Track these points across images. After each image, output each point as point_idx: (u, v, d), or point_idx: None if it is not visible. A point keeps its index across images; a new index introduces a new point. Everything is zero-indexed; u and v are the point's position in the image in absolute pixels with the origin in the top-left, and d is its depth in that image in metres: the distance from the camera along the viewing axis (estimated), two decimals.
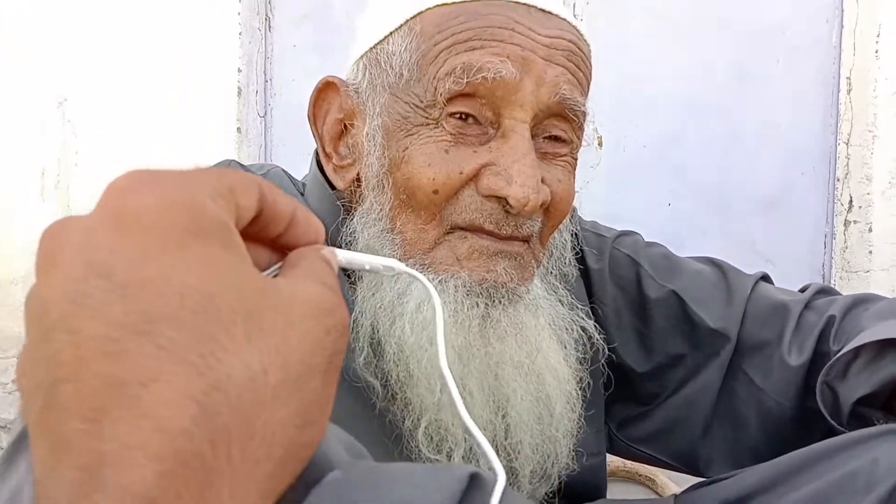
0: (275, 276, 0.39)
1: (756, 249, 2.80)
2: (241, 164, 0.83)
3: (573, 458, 0.80)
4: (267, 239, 0.40)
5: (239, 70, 2.90)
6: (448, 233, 0.72)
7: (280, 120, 2.99)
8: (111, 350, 0.29)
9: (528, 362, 0.74)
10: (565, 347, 0.79)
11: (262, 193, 0.37)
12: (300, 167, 0.88)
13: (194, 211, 0.33)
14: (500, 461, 0.42)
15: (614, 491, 2.02)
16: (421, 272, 0.70)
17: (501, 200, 0.70)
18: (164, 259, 0.31)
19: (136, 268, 0.31)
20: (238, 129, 2.90)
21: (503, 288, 0.71)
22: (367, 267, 0.49)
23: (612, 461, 2.07)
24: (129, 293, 0.30)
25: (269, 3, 2.99)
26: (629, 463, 2.08)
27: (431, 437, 0.71)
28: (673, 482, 1.86)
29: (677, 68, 2.81)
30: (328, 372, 0.35)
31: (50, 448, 0.30)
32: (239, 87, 2.90)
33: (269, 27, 3.00)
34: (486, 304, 0.70)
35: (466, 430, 0.49)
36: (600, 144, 2.87)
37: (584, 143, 0.80)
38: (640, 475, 2.09)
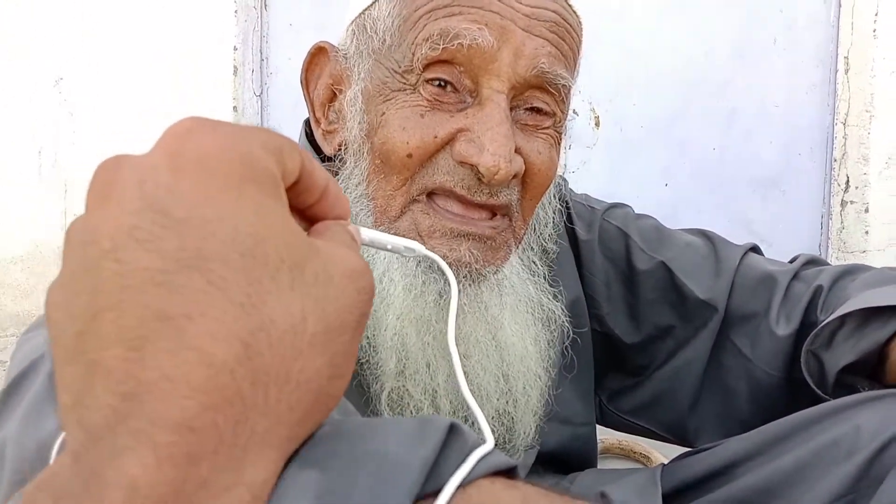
0: None
1: (752, 229, 2.80)
2: None
3: (537, 432, 0.81)
4: (298, 207, 0.40)
5: (235, 48, 2.89)
6: (413, 201, 0.72)
7: (276, 99, 2.98)
8: (161, 282, 0.30)
9: (488, 339, 0.74)
10: (534, 326, 0.79)
11: (304, 161, 0.38)
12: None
13: (250, 160, 0.34)
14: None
15: (609, 466, 2.03)
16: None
17: (474, 168, 0.70)
18: (220, 201, 0.32)
19: (194, 207, 0.31)
20: (234, 107, 2.89)
21: (466, 268, 0.71)
22: (389, 247, 0.50)
23: (607, 438, 2.09)
24: (184, 230, 0.31)
25: None
26: (624, 440, 2.09)
27: (395, 403, 0.72)
28: (667, 459, 1.87)
29: (675, 47, 2.80)
30: (356, 330, 0.35)
31: (84, 374, 0.30)
32: (235, 66, 2.89)
33: (265, 5, 2.98)
34: (445, 280, 0.70)
35: (465, 403, 0.50)
36: (598, 124, 2.86)
37: (572, 118, 0.79)
38: (635, 452, 2.10)
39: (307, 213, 0.41)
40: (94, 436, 0.29)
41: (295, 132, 0.86)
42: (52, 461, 0.37)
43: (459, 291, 0.70)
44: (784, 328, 0.87)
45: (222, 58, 2.88)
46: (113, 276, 0.30)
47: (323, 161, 0.80)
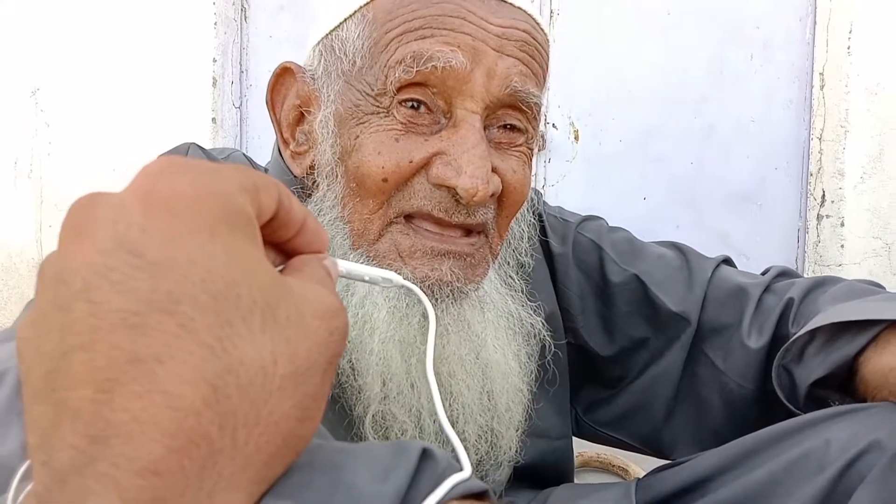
0: None
1: (730, 243, 2.83)
2: (202, 148, 0.82)
3: (521, 446, 0.81)
4: (274, 241, 0.40)
5: (214, 60, 2.88)
6: (391, 223, 0.72)
7: (255, 110, 2.98)
8: (132, 324, 0.30)
9: (472, 357, 0.74)
10: (515, 341, 0.79)
11: (280, 197, 0.38)
12: None
13: (224, 201, 0.33)
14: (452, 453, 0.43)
15: (587, 480, 2.03)
16: (366, 264, 0.71)
17: (451, 190, 0.70)
18: (193, 243, 0.32)
19: (166, 248, 0.31)
20: (213, 119, 2.89)
21: (447, 287, 0.71)
22: (367, 278, 0.50)
23: (585, 451, 2.09)
24: (156, 272, 0.31)
25: None
26: (602, 453, 2.10)
27: (378, 426, 0.71)
28: (645, 471, 1.87)
29: (653, 63, 2.83)
30: (327, 371, 0.35)
31: (52, 414, 0.30)
32: (214, 78, 2.89)
33: (245, 17, 2.99)
34: (429, 302, 0.70)
35: (442, 429, 0.51)
36: (577, 138, 2.88)
37: (542, 132, 0.80)
38: (613, 465, 2.11)
39: (284, 248, 0.41)
40: (60, 479, 0.29)
41: (272, 143, 0.86)
42: (12, 492, 0.36)
43: (443, 311, 0.71)
44: (756, 341, 0.88)
45: (202, 69, 2.88)
46: (84, 316, 0.30)
47: (293, 180, 0.80)
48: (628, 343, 0.94)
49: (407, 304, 0.71)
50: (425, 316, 0.71)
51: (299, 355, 0.33)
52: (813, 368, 0.78)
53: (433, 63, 0.68)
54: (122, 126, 2.92)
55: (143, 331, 0.30)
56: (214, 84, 2.88)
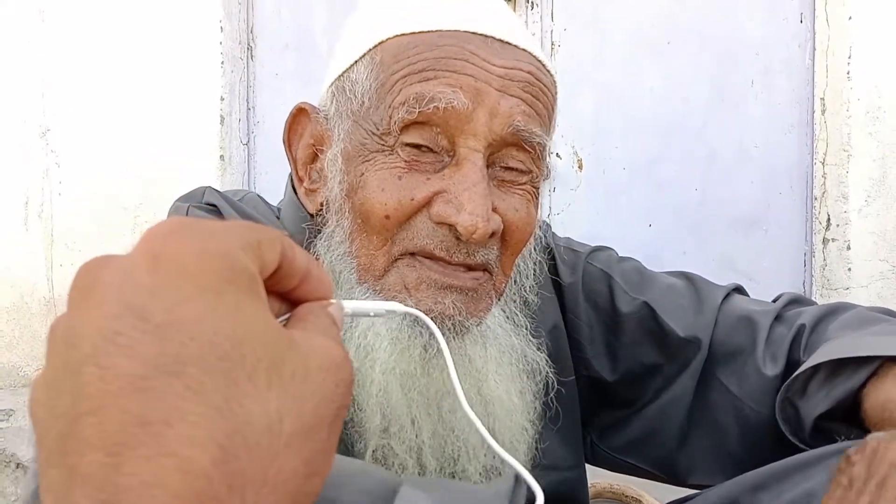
0: (282, 325, 0.40)
1: (736, 268, 2.83)
2: (217, 191, 0.84)
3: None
4: (279, 291, 0.41)
5: (221, 98, 2.92)
6: (398, 259, 0.73)
7: (263, 147, 3.01)
8: (141, 388, 0.30)
9: (474, 392, 0.74)
10: (520, 378, 0.79)
11: (283, 249, 0.39)
12: (283, 193, 0.89)
13: (229, 260, 0.34)
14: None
15: None
16: (372, 298, 0.72)
17: (452, 228, 0.71)
18: (199, 304, 0.32)
19: (172, 311, 0.32)
20: (221, 156, 2.92)
21: (449, 321, 0.72)
22: (372, 313, 0.51)
23: (599, 482, 2.07)
24: (163, 335, 0.31)
25: (251, 32, 3.02)
26: (616, 483, 2.08)
27: (379, 461, 0.71)
28: (658, 501, 1.86)
29: (654, 91, 2.86)
30: (334, 424, 0.36)
31: (65, 478, 0.30)
32: (221, 116, 2.92)
33: (252, 56, 3.03)
34: (430, 334, 0.71)
35: (503, 461, 0.51)
36: (580, 167, 2.90)
37: (548, 168, 0.81)
38: (627, 496, 2.08)
39: (289, 296, 0.42)
40: None
41: (281, 180, 0.88)
42: None
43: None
44: (771, 368, 0.88)
45: (209, 107, 2.91)
46: (94, 380, 0.30)
47: (306, 217, 0.81)
48: (638, 369, 0.95)
49: (409, 336, 0.71)
50: (426, 348, 0.71)
51: (306, 411, 0.34)
52: (817, 403, 0.78)
53: (435, 104, 0.69)
54: (132, 165, 2.95)
55: (152, 394, 0.30)
56: (222, 122, 2.92)
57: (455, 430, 0.73)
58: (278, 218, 0.86)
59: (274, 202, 0.91)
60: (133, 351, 0.31)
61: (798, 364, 0.85)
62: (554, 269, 0.95)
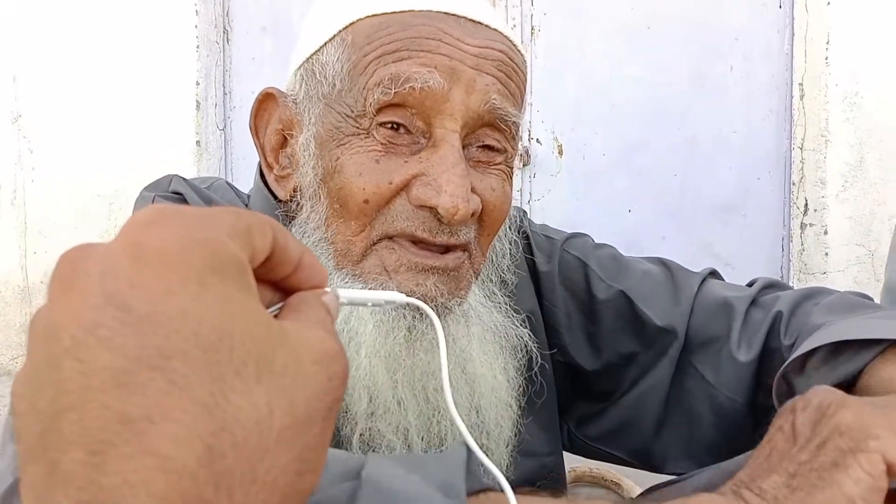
0: (274, 315, 0.39)
1: (715, 253, 2.85)
2: (184, 179, 0.83)
3: (511, 463, 0.81)
4: (271, 279, 0.40)
5: (197, 83, 2.89)
6: (376, 243, 0.73)
7: (239, 133, 2.98)
8: (122, 382, 0.29)
9: (458, 372, 0.74)
10: (502, 355, 0.79)
11: (275, 236, 0.38)
12: None
13: (214, 249, 0.33)
14: None
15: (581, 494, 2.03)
16: (351, 282, 0.71)
17: (433, 210, 0.70)
18: (182, 295, 0.31)
19: (155, 302, 0.30)
20: (197, 142, 2.89)
21: (432, 302, 0.71)
22: (370, 303, 0.50)
23: (579, 466, 2.09)
24: (146, 327, 0.30)
25: (227, 15, 2.98)
26: (595, 468, 2.09)
27: (367, 444, 0.71)
28: (638, 486, 1.87)
29: (635, 77, 2.86)
30: (327, 419, 0.34)
31: (46, 476, 0.29)
32: (197, 101, 2.89)
33: (228, 40, 2.99)
34: (413, 316, 0.71)
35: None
36: (561, 153, 2.89)
37: (527, 155, 0.81)
38: (606, 480, 2.10)
39: (282, 284, 0.40)
40: None
41: (257, 165, 0.86)
42: None
43: (427, 326, 0.70)
44: (745, 354, 0.88)
45: (185, 92, 2.88)
46: (75, 375, 0.29)
47: (275, 205, 0.80)
48: (616, 358, 0.94)
49: (392, 318, 0.71)
50: (411, 330, 0.71)
51: (297, 405, 0.33)
52: (816, 382, 0.79)
53: (410, 84, 0.69)
54: (106, 151, 2.91)
55: (134, 389, 0.29)
56: (198, 107, 2.89)
57: (441, 410, 0.73)
58: (246, 206, 0.84)
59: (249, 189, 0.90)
60: (114, 343, 0.29)
61: (777, 350, 0.85)
62: (530, 257, 0.95)
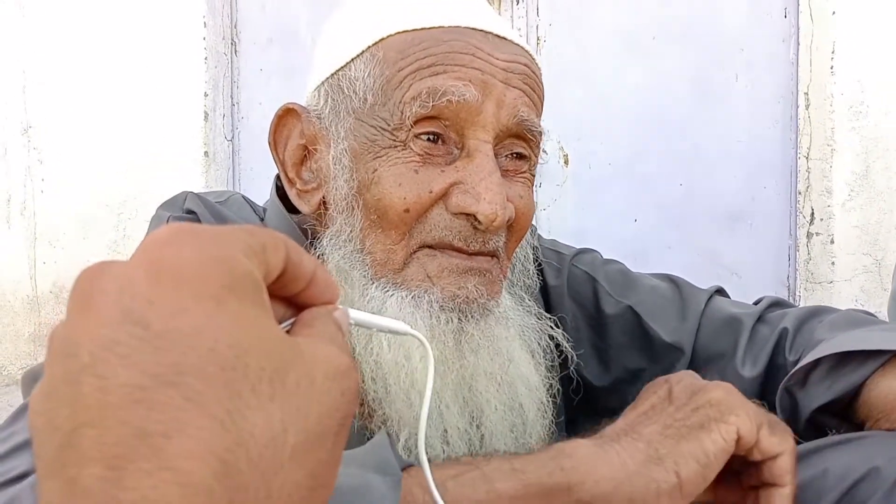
0: (286, 331, 0.39)
1: (721, 262, 2.85)
2: (198, 196, 0.84)
3: None
4: (284, 295, 0.40)
5: (205, 94, 2.90)
6: (416, 251, 0.74)
7: (247, 143, 3.00)
8: (140, 398, 0.29)
9: (501, 373, 0.76)
10: (535, 356, 0.81)
11: (288, 253, 0.38)
12: (268, 190, 0.89)
13: (230, 267, 0.33)
14: None
15: None
16: (393, 291, 0.73)
17: (470, 217, 0.73)
18: (199, 313, 0.31)
19: (172, 319, 0.31)
20: (205, 152, 2.90)
21: (474, 303, 0.73)
22: (375, 329, 0.51)
23: None
24: (163, 344, 0.30)
25: (235, 27, 3.00)
26: None
27: (410, 450, 0.72)
28: None
29: (639, 87, 2.87)
30: (339, 434, 0.35)
31: (64, 491, 0.29)
32: (205, 112, 2.90)
33: (235, 51, 3.01)
34: (460, 318, 0.73)
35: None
36: (566, 162, 2.90)
37: (543, 161, 0.84)
38: None
39: (295, 300, 0.41)
40: None
41: (266, 175, 0.87)
42: None
43: (473, 327, 0.73)
44: (750, 370, 0.88)
45: (193, 103, 2.90)
46: (93, 391, 0.30)
47: (290, 220, 0.81)
48: (624, 374, 0.95)
49: (442, 322, 0.73)
50: (457, 333, 0.73)
51: (310, 421, 0.33)
52: (818, 394, 0.79)
53: (448, 97, 0.71)
54: (115, 162, 2.93)
55: (151, 405, 0.29)
56: (206, 118, 2.90)
57: (484, 411, 0.75)
58: (262, 220, 0.85)
59: (260, 198, 0.91)
60: (131, 360, 0.30)
61: (782, 367, 0.85)
62: (540, 271, 0.95)
